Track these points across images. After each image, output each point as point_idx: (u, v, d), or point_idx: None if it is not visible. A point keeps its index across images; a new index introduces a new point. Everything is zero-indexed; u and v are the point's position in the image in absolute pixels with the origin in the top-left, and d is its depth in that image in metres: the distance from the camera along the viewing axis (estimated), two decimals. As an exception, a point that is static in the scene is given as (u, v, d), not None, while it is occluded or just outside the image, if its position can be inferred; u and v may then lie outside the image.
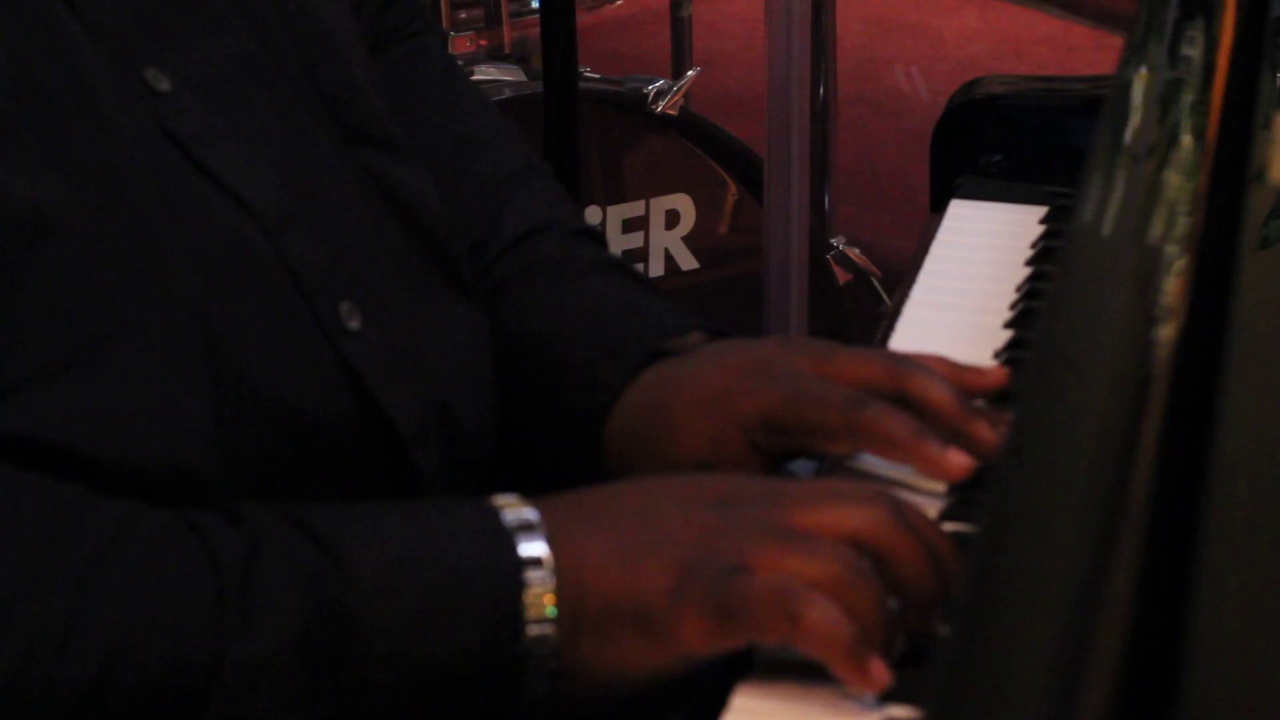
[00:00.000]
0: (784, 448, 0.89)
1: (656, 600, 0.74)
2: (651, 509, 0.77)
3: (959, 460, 0.83)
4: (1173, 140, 0.99)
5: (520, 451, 0.98)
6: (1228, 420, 0.72)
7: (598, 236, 1.06)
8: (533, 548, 0.75)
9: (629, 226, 2.20)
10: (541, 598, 0.74)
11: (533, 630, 0.74)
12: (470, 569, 0.75)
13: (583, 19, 1.99)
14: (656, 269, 2.21)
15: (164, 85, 0.83)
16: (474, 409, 0.94)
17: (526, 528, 0.76)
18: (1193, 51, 1.08)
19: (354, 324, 0.86)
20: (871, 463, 0.88)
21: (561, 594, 0.75)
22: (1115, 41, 1.19)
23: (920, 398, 0.86)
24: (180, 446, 0.78)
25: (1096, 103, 1.09)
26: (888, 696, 0.73)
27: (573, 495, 0.79)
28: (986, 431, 0.85)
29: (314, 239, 0.86)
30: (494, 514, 0.76)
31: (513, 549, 0.75)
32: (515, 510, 0.76)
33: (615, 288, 1.01)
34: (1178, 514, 0.66)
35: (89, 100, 0.79)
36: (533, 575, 0.75)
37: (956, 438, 0.85)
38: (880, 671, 0.72)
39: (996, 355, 1.02)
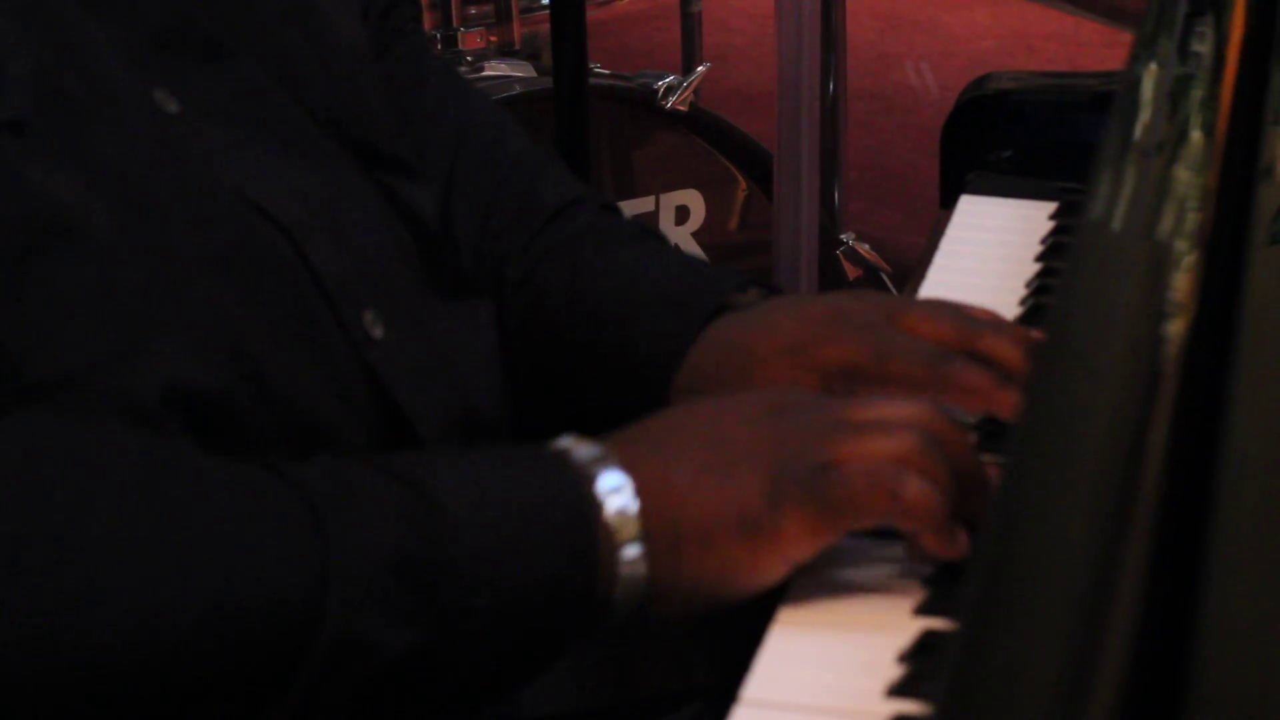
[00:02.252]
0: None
1: (756, 505, 0.76)
2: (715, 429, 0.80)
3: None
4: (1182, 136, 0.99)
5: (570, 418, 1.00)
6: (1237, 415, 0.72)
7: (618, 210, 1.09)
8: (608, 476, 0.77)
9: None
10: (626, 521, 0.76)
11: (626, 553, 0.76)
12: (548, 501, 0.76)
13: (592, 14, 1.98)
14: (666, 265, 2.21)
15: (173, 107, 0.83)
16: (496, 405, 0.95)
17: (597, 460, 0.77)
18: (1203, 47, 1.08)
19: (378, 332, 0.86)
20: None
21: (655, 515, 0.76)
22: (1125, 37, 1.19)
23: (992, 355, 0.90)
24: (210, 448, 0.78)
25: (1106, 98, 1.09)
26: (894, 691, 0.73)
27: (630, 430, 0.81)
28: None
29: (336, 247, 0.86)
30: (563, 453, 0.78)
31: (589, 480, 0.77)
32: (582, 449, 0.78)
33: (665, 251, 1.04)
34: (1187, 509, 0.66)
35: (111, 108, 0.79)
36: (613, 501, 0.76)
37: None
38: (964, 539, 0.77)
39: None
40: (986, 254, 1.16)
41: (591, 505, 0.76)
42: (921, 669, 0.73)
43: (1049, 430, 0.79)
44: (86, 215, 0.76)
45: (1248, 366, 0.75)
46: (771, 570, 0.78)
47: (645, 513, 0.76)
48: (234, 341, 0.80)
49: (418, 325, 0.90)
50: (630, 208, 2.20)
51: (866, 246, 2.29)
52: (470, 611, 0.74)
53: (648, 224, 1.08)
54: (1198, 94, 1.03)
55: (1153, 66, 1.10)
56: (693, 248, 2.24)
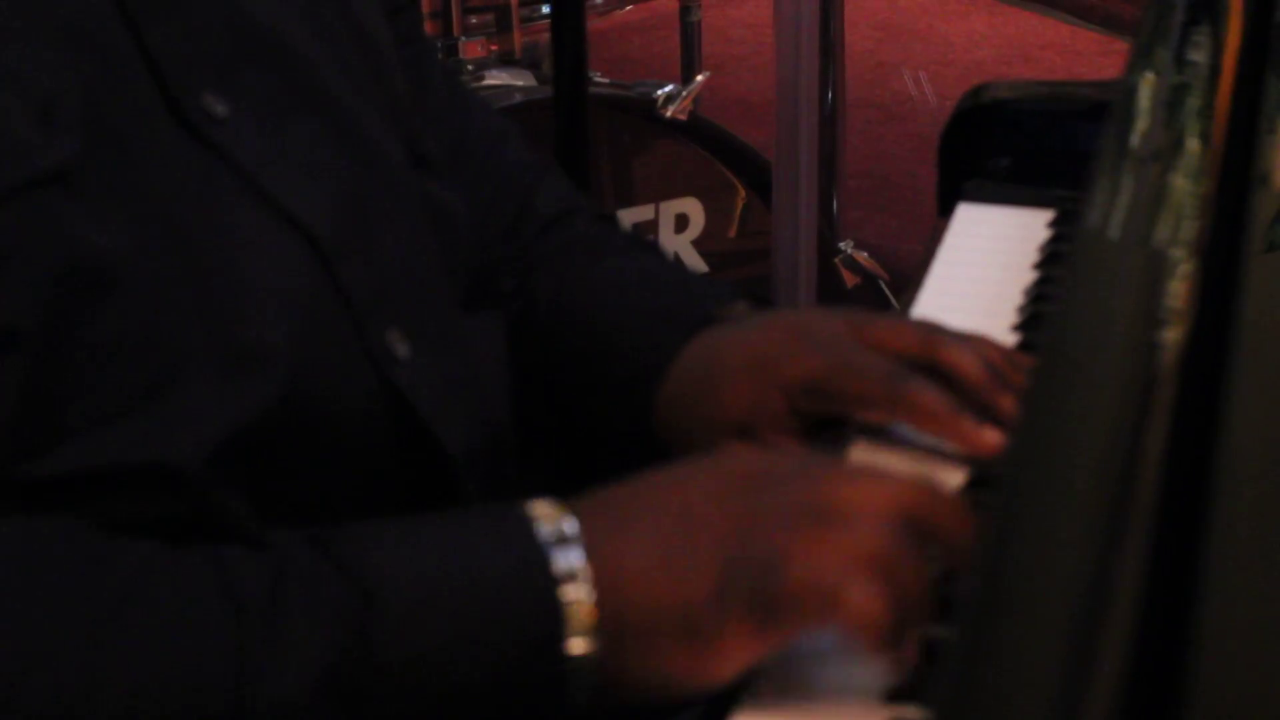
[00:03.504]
0: (822, 412, 0.91)
1: (700, 607, 0.73)
2: (685, 503, 0.76)
3: (993, 437, 0.86)
4: (1179, 144, 1.00)
5: (559, 428, 0.99)
6: (1233, 422, 0.72)
7: (618, 223, 1.09)
8: (569, 560, 0.73)
9: (638, 230, 2.21)
10: (581, 612, 0.73)
11: (573, 646, 0.73)
12: (503, 589, 0.73)
13: (593, 24, 1.99)
14: (665, 273, 2.22)
15: (222, 111, 0.82)
16: (513, 418, 0.95)
17: (562, 540, 0.74)
18: (1199, 56, 1.08)
19: (402, 352, 0.85)
20: (903, 434, 0.91)
21: (603, 606, 0.73)
22: (1122, 46, 1.19)
23: (952, 368, 0.89)
24: (237, 480, 0.77)
25: (1103, 107, 1.09)
26: (893, 697, 0.73)
27: (605, 496, 0.78)
28: (1010, 405, 0.88)
29: (367, 265, 0.85)
30: (528, 527, 0.75)
31: (547, 566, 0.73)
32: (552, 522, 0.75)
33: (656, 262, 1.04)
34: (1183, 516, 0.67)
35: (153, 135, 0.78)
36: (570, 590, 0.73)
37: (984, 410, 0.88)
38: (911, 654, 0.73)
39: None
40: (984, 262, 1.16)
41: (548, 594, 0.73)
42: (920, 674, 0.74)
43: (1046, 437, 0.79)
44: (128, 259, 0.75)
45: (1244, 373, 0.75)
46: (715, 675, 0.74)
47: (599, 604, 0.73)
48: (266, 368, 0.79)
49: (441, 340, 0.89)
50: (630, 216, 2.20)
51: (865, 254, 2.30)
52: (408, 715, 0.72)
53: (642, 234, 1.08)
54: (1194, 102, 1.03)
55: (1149, 75, 1.10)
56: (692, 256, 2.24)
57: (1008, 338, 1.05)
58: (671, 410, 0.94)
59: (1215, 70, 1.04)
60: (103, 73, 0.77)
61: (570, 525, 0.74)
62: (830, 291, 2.18)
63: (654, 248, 1.07)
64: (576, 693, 0.73)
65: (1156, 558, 0.65)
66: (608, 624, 0.73)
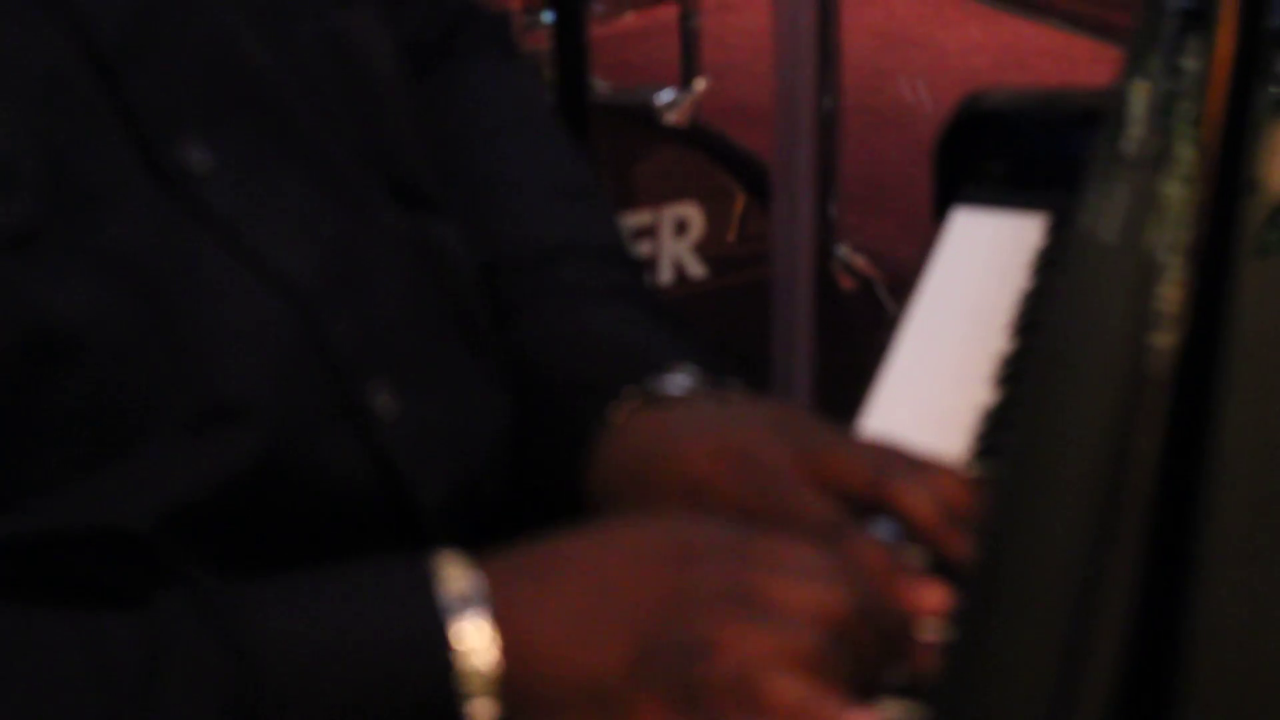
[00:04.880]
0: None
1: (612, 680, 0.71)
2: (606, 570, 0.73)
3: (933, 597, 0.77)
4: (1171, 150, 1.00)
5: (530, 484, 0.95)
6: (1226, 423, 0.73)
7: (625, 259, 1.02)
8: (471, 625, 0.71)
9: (638, 235, 2.22)
10: (481, 678, 0.71)
11: (475, 708, 0.71)
12: (396, 660, 0.71)
13: (594, 31, 2.00)
14: (666, 277, 2.23)
15: (204, 162, 0.79)
16: (503, 467, 0.91)
17: (466, 602, 0.72)
18: (1191, 64, 1.09)
19: (386, 405, 0.83)
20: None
21: (509, 671, 0.71)
22: (1115, 54, 1.20)
23: (902, 509, 0.82)
24: (207, 531, 0.76)
25: (1097, 114, 1.10)
26: (891, 694, 0.74)
27: (522, 554, 0.75)
28: (963, 548, 0.81)
29: (353, 317, 0.83)
30: (428, 588, 0.72)
31: (443, 634, 0.71)
32: (456, 581, 0.72)
33: (613, 318, 0.96)
34: (1177, 516, 0.67)
35: (124, 190, 0.76)
36: (469, 658, 0.71)
37: (933, 550, 0.81)
38: (925, 658, 0.71)
39: (999, 361, 1.03)
40: (980, 266, 1.17)
41: (443, 664, 0.71)
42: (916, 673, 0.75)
43: (1041, 438, 0.81)
44: (94, 321, 0.73)
45: (1236, 375, 0.76)
46: None
47: (504, 670, 0.71)
48: (243, 425, 0.77)
49: (432, 388, 0.86)
50: (630, 220, 2.21)
51: (862, 258, 2.31)
52: None
53: (625, 278, 1.00)
54: (1185, 109, 1.04)
55: (1142, 82, 1.11)
56: (691, 260, 2.25)
57: (1002, 341, 1.06)
58: (602, 505, 0.87)
59: (1207, 77, 1.05)
60: (71, 128, 0.75)
61: (477, 586, 0.72)
62: (827, 295, 2.19)
63: (630, 294, 0.98)
64: None
65: (1151, 557, 0.66)
66: (513, 688, 0.71)
